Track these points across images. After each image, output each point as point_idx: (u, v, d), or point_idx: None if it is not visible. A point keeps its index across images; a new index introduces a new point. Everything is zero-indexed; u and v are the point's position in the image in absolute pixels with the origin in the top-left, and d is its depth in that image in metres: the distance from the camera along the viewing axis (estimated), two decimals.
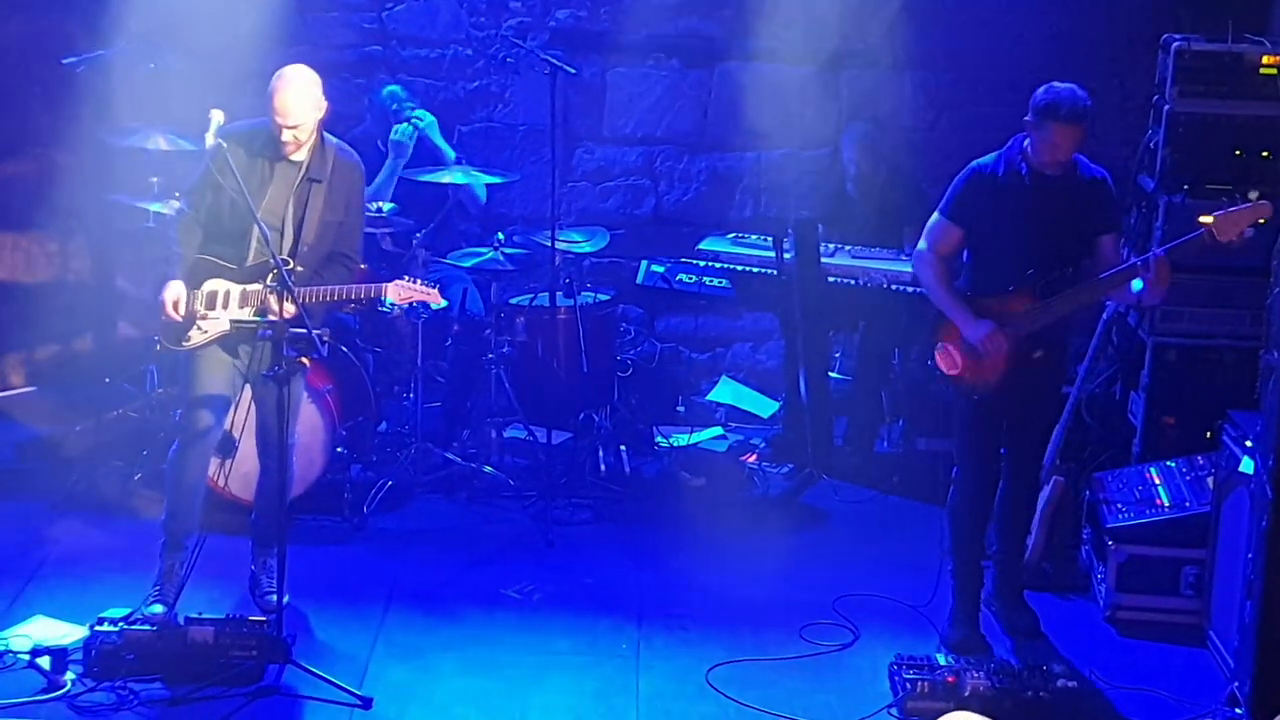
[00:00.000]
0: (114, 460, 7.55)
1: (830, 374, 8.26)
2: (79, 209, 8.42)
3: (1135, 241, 7.24)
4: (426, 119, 8.14)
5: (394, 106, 8.17)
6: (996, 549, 6.48)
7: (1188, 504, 6.60)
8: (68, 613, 6.19)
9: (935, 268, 6.20)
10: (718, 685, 6.00)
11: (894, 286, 7.60)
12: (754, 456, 8.23)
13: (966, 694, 5.72)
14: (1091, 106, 5.98)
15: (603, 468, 7.87)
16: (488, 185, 8.12)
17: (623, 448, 7.99)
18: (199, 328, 6.14)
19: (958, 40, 8.59)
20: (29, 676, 5.79)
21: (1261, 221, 6.67)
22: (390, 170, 8.03)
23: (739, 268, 8.07)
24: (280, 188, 6.15)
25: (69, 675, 5.76)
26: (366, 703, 5.76)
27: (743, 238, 8.26)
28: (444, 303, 6.68)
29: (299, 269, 6.07)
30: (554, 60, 7.48)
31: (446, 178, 7.83)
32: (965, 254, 6.26)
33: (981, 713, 5.51)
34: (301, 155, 6.16)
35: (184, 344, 6.16)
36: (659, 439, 8.24)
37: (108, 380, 8.02)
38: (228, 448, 6.52)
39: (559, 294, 7.64)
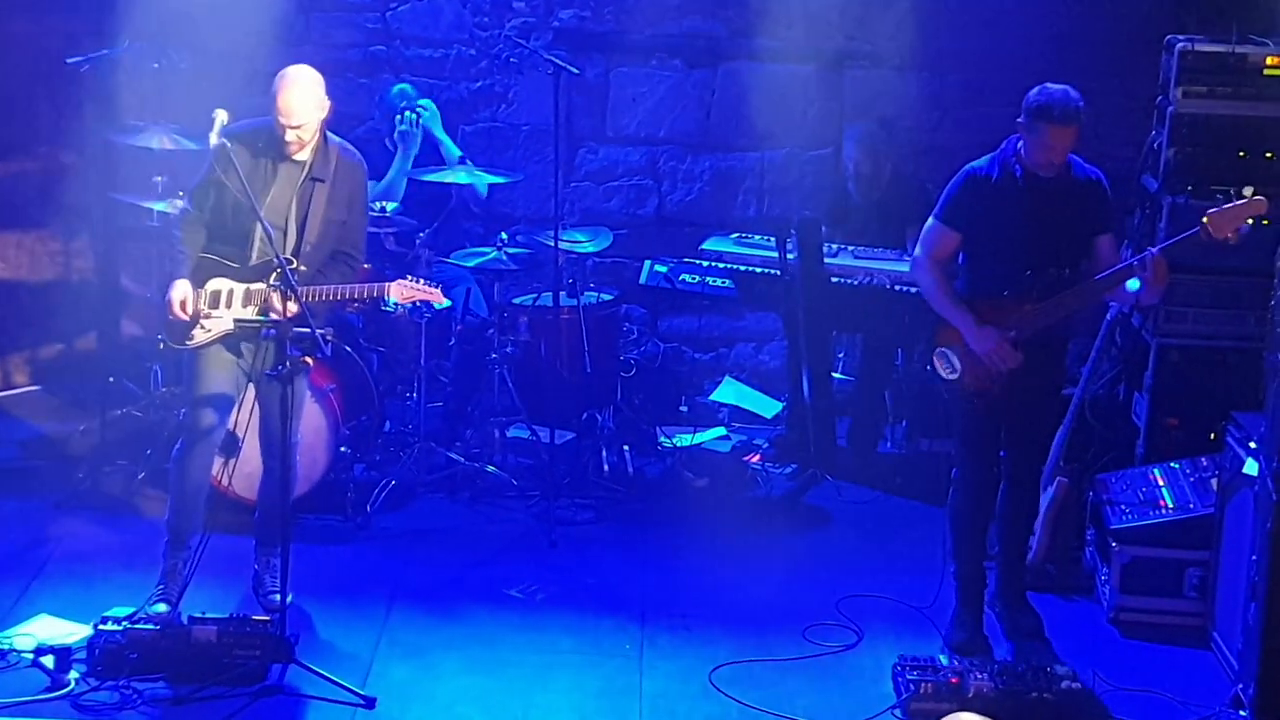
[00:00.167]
0: (118, 459, 7.55)
1: (833, 374, 8.25)
2: (83, 208, 8.42)
3: (1138, 243, 7.23)
4: (429, 109, 8.14)
5: (402, 104, 8.17)
6: (998, 551, 6.48)
7: (1191, 506, 6.59)
8: (71, 611, 6.19)
9: (934, 273, 6.19)
10: (721, 685, 6.00)
11: (897, 287, 7.60)
12: (757, 457, 8.23)
13: (970, 695, 5.72)
14: (1085, 107, 5.96)
15: (606, 468, 7.87)
16: (490, 184, 8.12)
17: (626, 448, 7.99)
18: (202, 326, 6.14)
19: (962, 41, 8.59)
20: (33, 675, 5.80)
21: (1265, 222, 6.70)
22: (401, 163, 8.04)
23: (742, 268, 8.07)
24: (283, 187, 6.16)
25: (72, 674, 5.77)
26: (370, 702, 5.76)
27: (746, 238, 8.26)
28: (447, 302, 6.69)
29: (302, 268, 6.07)
30: (557, 60, 7.48)
31: (450, 177, 7.84)
32: (961, 257, 6.25)
33: (984, 714, 5.49)
34: (305, 155, 6.17)
35: (187, 343, 6.17)
36: (662, 439, 8.24)
37: (112, 379, 8.01)
38: (231, 447, 6.52)
39: (562, 294, 7.64)
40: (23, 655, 5.89)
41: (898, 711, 5.79)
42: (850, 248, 7.91)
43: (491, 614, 6.53)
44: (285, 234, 6.14)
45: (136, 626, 5.87)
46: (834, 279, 7.81)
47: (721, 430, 8.52)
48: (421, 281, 6.46)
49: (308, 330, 5.79)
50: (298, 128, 6.05)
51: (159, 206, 7.49)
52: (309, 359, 5.89)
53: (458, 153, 8.13)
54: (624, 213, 8.98)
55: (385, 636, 6.30)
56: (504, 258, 7.77)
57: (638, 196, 9.00)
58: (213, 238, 6.20)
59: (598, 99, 8.90)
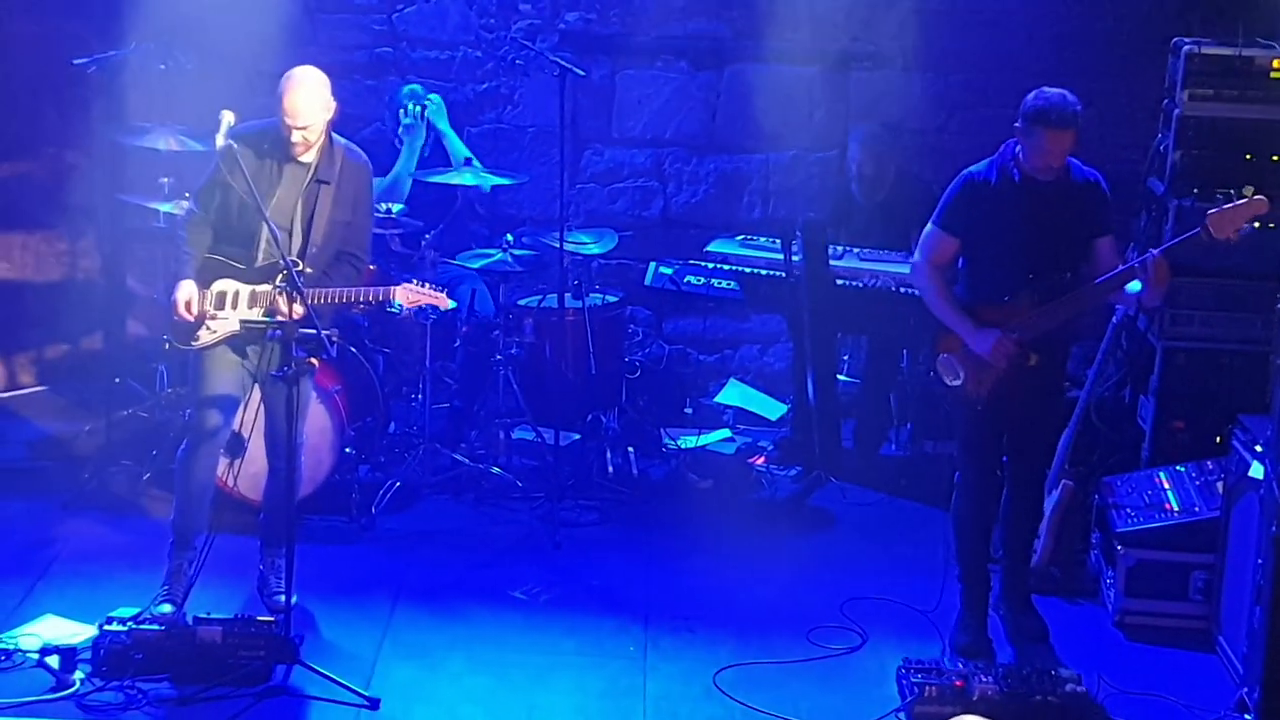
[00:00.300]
0: (124, 459, 7.55)
1: (838, 376, 8.25)
2: (89, 209, 8.42)
3: (1144, 246, 7.21)
4: (435, 102, 8.16)
5: (411, 104, 8.20)
6: (1002, 554, 6.47)
7: (1197, 509, 6.59)
8: (77, 612, 6.20)
9: (933, 279, 6.18)
10: (724, 687, 6.00)
11: (902, 289, 7.59)
12: (762, 459, 8.23)
13: (974, 698, 5.71)
14: (1082, 111, 5.94)
15: (610, 469, 7.87)
16: (496, 186, 8.12)
17: (630, 450, 7.99)
18: (208, 327, 6.15)
19: (967, 42, 8.59)
20: (38, 675, 5.80)
21: (1264, 224, 6.70)
22: (407, 157, 8.05)
23: (747, 270, 8.07)
24: (289, 189, 6.16)
25: (77, 674, 5.77)
26: (374, 703, 5.76)
27: (751, 240, 8.26)
28: (452, 304, 6.69)
29: (308, 270, 6.07)
30: (563, 62, 7.48)
31: (456, 179, 7.84)
32: (961, 262, 6.24)
33: (989, 717, 5.51)
34: (310, 156, 6.17)
35: (193, 343, 6.18)
36: (668, 440, 8.23)
37: (118, 380, 8.02)
38: (236, 448, 6.52)
39: (567, 295, 7.64)
40: (28, 655, 5.90)
41: (902, 714, 5.78)
42: (855, 249, 7.91)
43: (495, 615, 6.53)
44: (291, 235, 6.14)
45: (141, 627, 5.87)
46: (839, 281, 7.81)
47: (726, 432, 8.52)
48: (427, 285, 6.46)
49: (313, 331, 5.79)
50: (303, 129, 6.06)
51: (165, 208, 7.49)
52: (314, 360, 5.90)
53: (463, 149, 8.13)
54: (629, 214, 8.98)
55: (389, 637, 6.30)
56: (509, 259, 7.78)
57: (643, 198, 9.01)
58: (218, 239, 6.21)
59: (603, 101, 8.90)
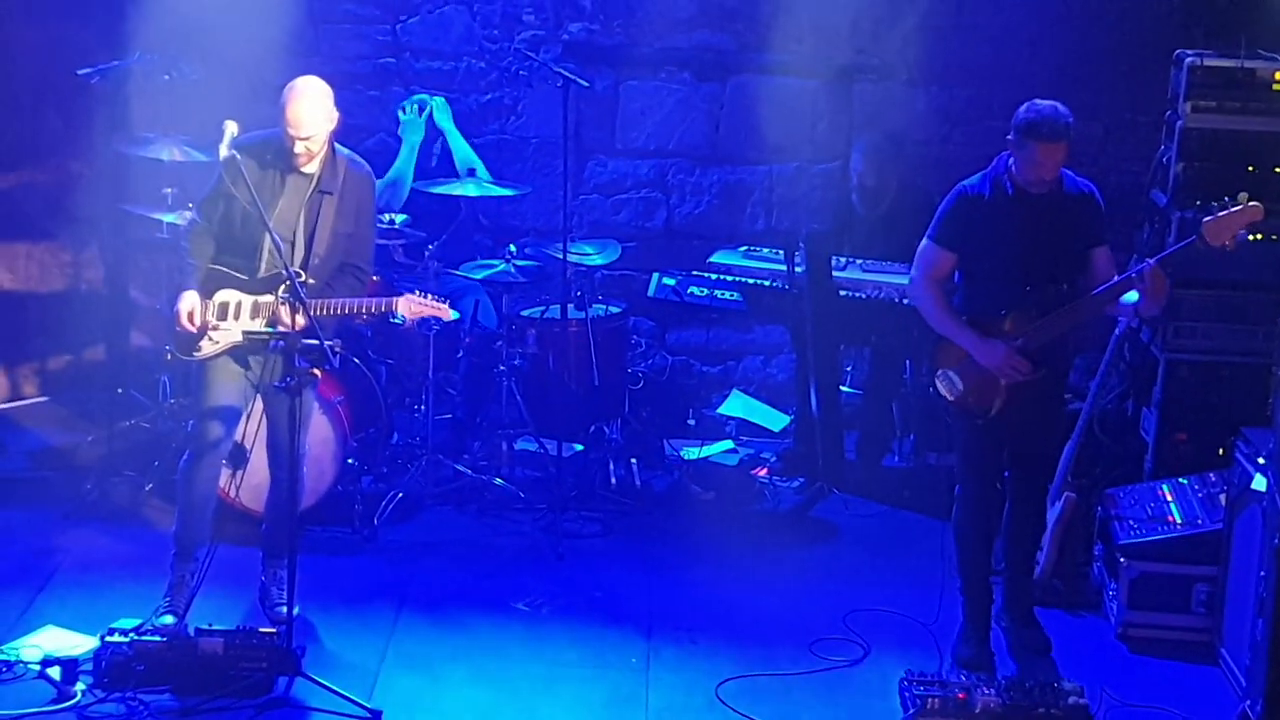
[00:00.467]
0: (126, 470, 7.56)
1: (841, 388, 8.24)
2: (93, 219, 8.44)
3: (1146, 257, 7.22)
4: (437, 103, 8.17)
5: (409, 105, 8.23)
6: (1005, 567, 6.46)
7: (1200, 521, 6.58)
8: (78, 623, 6.19)
9: (932, 294, 6.17)
10: (727, 699, 5.99)
11: (905, 300, 7.57)
12: (764, 470, 8.22)
13: (977, 710, 5.70)
14: (1074, 123, 5.92)
15: (613, 481, 7.87)
16: (499, 197, 8.12)
17: (633, 461, 7.99)
18: (210, 338, 6.15)
19: (971, 54, 8.60)
20: (39, 687, 5.80)
21: (1266, 236, 6.70)
22: (406, 155, 8.08)
23: (750, 281, 8.07)
24: (292, 199, 6.16)
25: (79, 686, 5.77)
26: (376, 715, 5.75)
27: (754, 251, 8.27)
28: (455, 315, 6.69)
29: (310, 281, 6.08)
30: (566, 73, 7.48)
31: (459, 190, 7.85)
32: (957, 276, 6.23)
33: None
34: (313, 167, 6.17)
35: (195, 354, 6.18)
36: (673, 451, 8.23)
37: (120, 390, 8.04)
38: (239, 459, 6.52)
39: (570, 306, 7.64)
40: (29, 666, 5.89)
41: None
42: (859, 261, 7.91)
43: (498, 626, 6.52)
44: (293, 246, 6.14)
45: (143, 638, 5.87)
46: (842, 292, 7.81)
47: (729, 443, 8.52)
48: (430, 296, 6.46)
49: (316, 342, 5.79)
50: (306, 139, 6.05)
51: (169, 218, 7.51)
52: (317, 371, 5.90)
53: (466, 149, 8.14)
54: (632, 225, 8.99)
55: (391, 648, 6.30)
56: (512, 270, 7.79)
57: (646, 209, 9.01)
58: (221, 249, 6.21)
59: (607, 112, 8.91)
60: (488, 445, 7.98)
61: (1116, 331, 7.13)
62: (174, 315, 6.11)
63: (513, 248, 7.94)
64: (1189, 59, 7.23)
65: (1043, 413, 6.22)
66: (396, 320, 6.50)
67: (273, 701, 5.78)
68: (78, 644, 6.01)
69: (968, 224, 6.07)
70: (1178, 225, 7.10)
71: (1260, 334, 7.04)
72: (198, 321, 6.10)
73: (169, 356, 6.35)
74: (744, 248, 8.34)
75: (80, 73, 7.69)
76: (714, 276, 8.17)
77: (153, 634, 5.93)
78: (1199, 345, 7.17)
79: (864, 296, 7.78)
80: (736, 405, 8.70)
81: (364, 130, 8.32)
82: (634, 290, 8.69)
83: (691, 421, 8.73)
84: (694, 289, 8.24)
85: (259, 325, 6.11)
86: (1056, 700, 5.74)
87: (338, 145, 6.26)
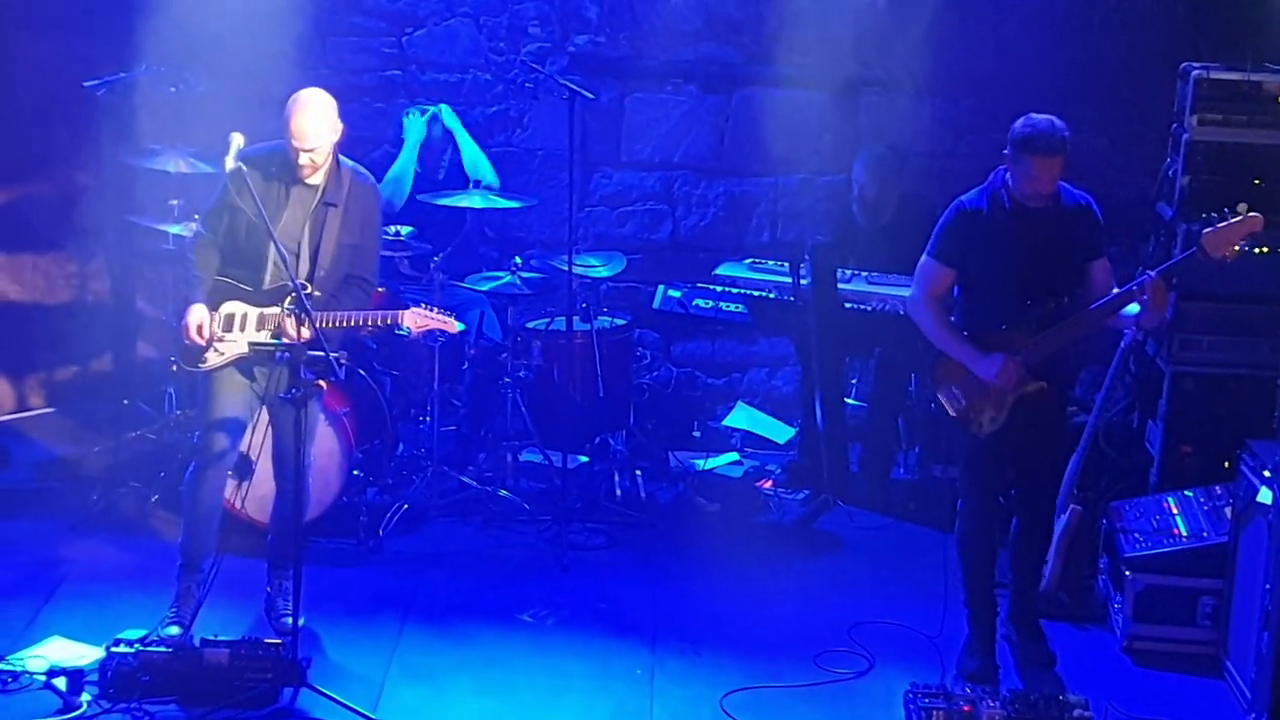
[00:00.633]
0: (132, 481, 7.57)
1: (846, 400, 8.25)
2: (99, 230, 8.45)
3: (1150, 270, 7.23)
4: (442, 107, 8.20)
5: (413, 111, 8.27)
6: (1011, 581, 6.45)
7: (1205, 534, 6.57)
8: (84, 633, 6.20)
9: (932, 310, 6.16)
10: (731, 712, 5.98)
11: None
12: (769, 482, 8.22)
13: None
14: (1070, 137, 5.90)
15: (618, 492, 7.88)
16: (505, 209, 8.13)
17: (638, 472, 7.99)
18: (216, 350, 6.16)
19: (976, 67, 8.60)
20: (45, 697, 5.80)
21: (1273, 249, 6.69)
22: (407, 155, 8.10)
23: (755, 293, 8.07)
24: (296, 211, 6.17)
25: (85, 696, 5.77)
26: None
27: (759, 263, 8.27)
28: (461, 327, 6.70)
29: (316, 293, 6.08)
30: (572, 85, 7.49)
31: (465, 201, 7.86)
32: (956, 291, 6.22)
33: None
34: (318, 179, 6.18)
35: (201, 365, 6.18)
36: (679, 463, 8.22)
37: (126, 402, 8.05)
38: (244, 470, 6.54)
39: (575, 318, 7.65)
40: (35, 677, 5.89)
41: None
42: (864, 273, 7.91)
43: (503, 638, 6.52)
44: (298, 258, 6.14)
45: (149, 649, 5.87)
46: (847, 304, 7.81)
47: (734, 455, 8.52)
48: (436, 309, 6.46)
49: (321, 354, 5.79)
50: (310, 151, 6.06)
51: (175, 230, 7.52)
52: (322, 382, 5.90)
53: (479, 154, 8.17)
54: (638, 237, 8.99)
55: (396, 660, 6.30)
56: (518, 282, 7.79)
57: (652, 221, 9.02)
58: (226, 261, 6.22)
59: (612, 124, 8.92)
60: (493, 457, 7.99)
61: (1122, 344, 7.12)
62: (181, 327, 6.12)
63: (518, 260, 7.94)
64: (1195, 72, 7.23)
65: (1046, 427, 6.21)
66: (402, 333, 6.51)
67: (278, 713, 5.78)
68: (83, 655, 6.02)
69: (966, 239, 6.07)
70: (1183, 238, 7.09)
71: (1266, 347, 7.04)
72: (206, 334, 6.11)
73: (175, 368, 6.36)
74: (749, 260, 8.34)
75: (87, 85, 7.71)
76: (719, 289, 8.17)
77: (158, 645, 5.93)
78: (1204, 358, 7.16)
79: (869, 309, 7.78)
80: (741, 417, 8.70)
81: (370, 142, 8.33)
82: (639, 302, 8.70)
83: (697, 433, 8.73)
84: (699, 301, 8.24)
85: (264, 337, 6.12)
86: (1061, 713, 5.73)
87: (342, 157, 6.27)
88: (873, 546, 7.61)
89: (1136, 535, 6.68)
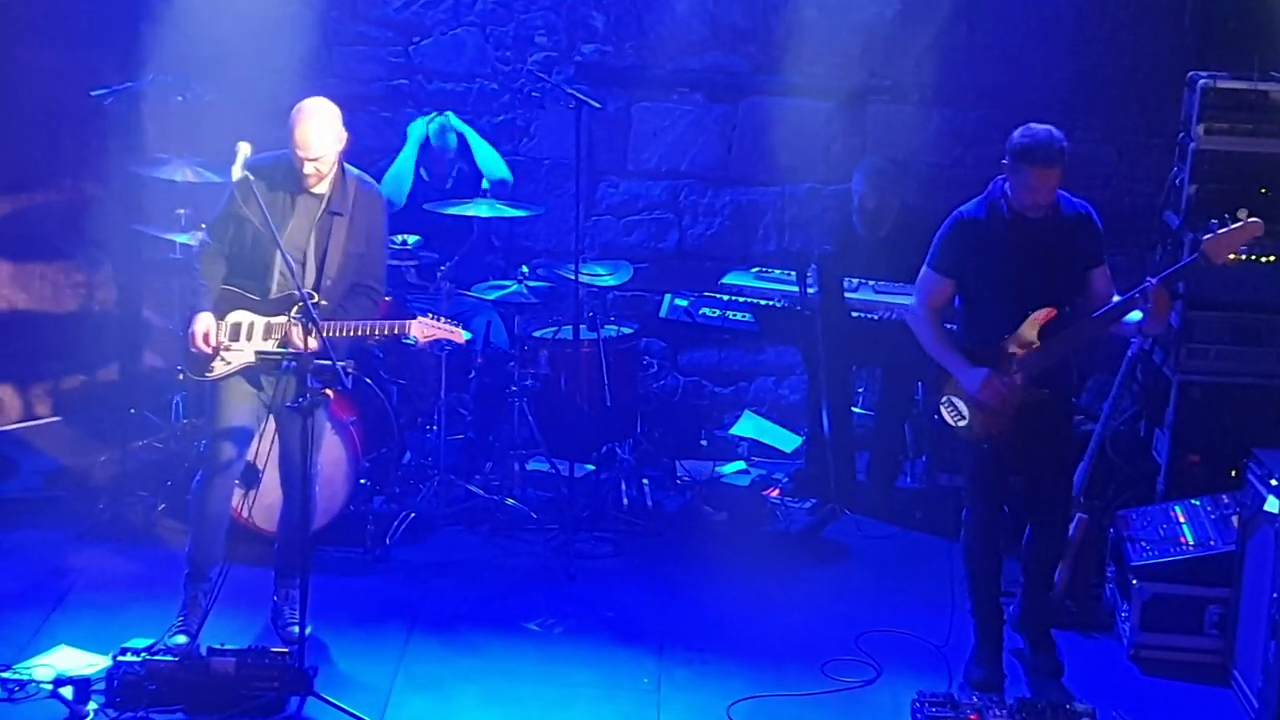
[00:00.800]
0: (138, 490, 7.56)
1: (853, 409, 8.24)
2: (106, 240, 8.45)
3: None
4: (451, 119, 8.23)
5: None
6: (1023, 591, 6.45)
7: (1212, 543, 6.57)
8: (91, 642, 6.20)
9: (929, 322, 6.16)
10: None
11: None
12: (776, 491, 8.22)
13: None
14: (1068, 147, 5.90)
15: (625, 501, 7.87)
16: (512, 218, 8.13)
17: (645, 481, 7.99)
18: (223, 359, 6.16)
19: (983, 77, 8.60)
20: (52, 706, 5.80)
21: (1272, 259, 6.68)
22: (406, 154, 8.14)
23: (762, 302, 8.08)
24: (302, 220, 6.18)
25: (91, 705, 5.77)
26: None
27: (766, 272, 8.27)
28: (468, 336, 6.71)
29: (323, 302, 6.08)
30: (579, 94, 7.50)
31: (472, 210, 7.87)
32: (957, 302, 6.21)
33: None
34: (323, 188, 6.19)
35: (207, 374, 6.19)
36: (685, 473, 8.22)
37: (133, 411, 8.05)
38: (251, 479, 6.54)
39: (582, 327, 7.65)
40: (42, 686, 5.90)
41: None
42: (871, 282, 7.91)
43: (510, 647, 6.52)
44: (304, 267, 6.15)
45: (156, 658, 5.88)
46: (854, 313, 7.81)
47: (741, 464, 8.51)
48: (443, 319, 6.47)
49: (328, 363, 5.80)
50: (315, 160, 6.07)
51: (182, 239, 7.53)
52: (329, 391, 5.91)
53: (493, 155, 8.18)
54: (645, 246, 9.00)
55: (403, 669, 6.29)
56: (525, 291, 7.79)
57: (658, 230, 9.02)
58: (232, 271, 6.23)
59: (619, 133, 8.93)
60: (500, 466, 7.99)
61: (1129, 353, 7.14)
62: (188, 336, 6.13)
63: (525, 269, 7.95)
64: (1202, 81, 7.24)
65: (1050, 436, 6.21)
66: (409, 342, 6.51)
67: None
68: (90, 663, 6.02)
69: (965, 250, 6.06)
70: (1190, 247, 7.09)
71: (1273, 356, 7.04)
72: (213, 343, 6.11)
73: (181, 377, 6.37)
74: (756, 269, 8.35)
75: (94, 94, 7.72)
76: (726, 297, 8.18)
77: (165, 654, 5.94)
78: (1212, 367, 7.16)
79: (876, 317, 7.78)
80: (748, 426, 8.70)
81: (377, 152, 8.33)
82: (646, 311, 8.70)
83: (704, 442, 8.72)
84: (706, 310, 8.25)
85: (271, 346, 6.12)
86: None
87: (348, 165, 6.28)
88: (880, 555, 7.60)
89: (1144, 544, 6.67)
